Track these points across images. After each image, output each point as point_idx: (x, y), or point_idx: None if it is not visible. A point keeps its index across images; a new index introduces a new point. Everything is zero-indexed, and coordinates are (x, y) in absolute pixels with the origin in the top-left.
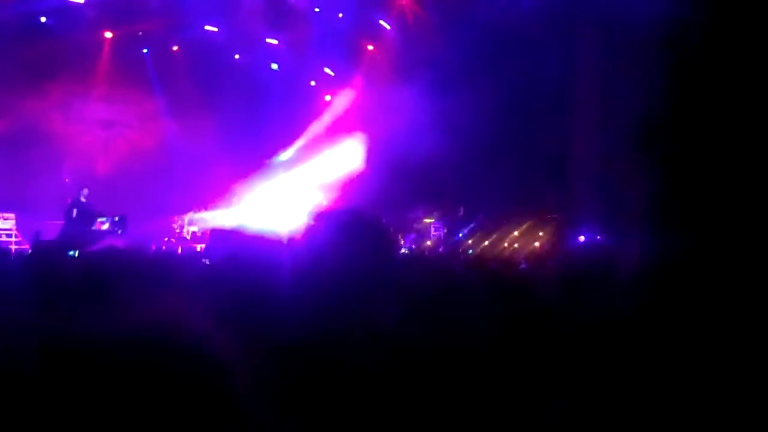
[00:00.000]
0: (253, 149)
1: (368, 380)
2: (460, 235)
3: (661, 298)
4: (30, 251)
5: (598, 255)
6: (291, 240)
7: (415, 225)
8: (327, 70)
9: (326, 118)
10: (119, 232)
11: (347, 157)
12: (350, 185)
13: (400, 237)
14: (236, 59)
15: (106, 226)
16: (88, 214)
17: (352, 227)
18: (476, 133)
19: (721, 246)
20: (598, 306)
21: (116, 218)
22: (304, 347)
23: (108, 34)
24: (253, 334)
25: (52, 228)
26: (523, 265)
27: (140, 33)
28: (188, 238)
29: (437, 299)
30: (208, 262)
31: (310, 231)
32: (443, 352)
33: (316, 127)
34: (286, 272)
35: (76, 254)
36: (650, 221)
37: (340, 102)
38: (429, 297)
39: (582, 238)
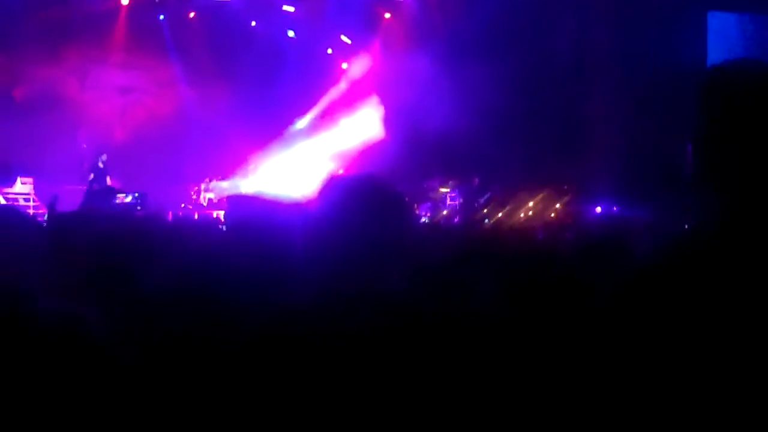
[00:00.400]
0: (269, 117)
1: (375, 345)
2: (476, 204)
3: (682, 273)
4: (46, 218)
5: (615, 226)
6: (305, 205)
7: (431, 194)
8: (344, 38)
9: (343, 86)
10: (139, 208)
11: (364, 125)
12: (366, 153)
13: (415, 206)
14: (253, 26)
15: (128, 199)
16: (109, 191)
17: (365, 193)
18: (492, 102)
19: (752, 218)
20: (618, 278)
21: (136, 194)
22: (313, 310)
23: (124, 0)
24: (262, 297)
25: (69, 193)
26: (539, 235)
27: None
28: (205, 204)
29: (451, 267)
30: (224, 228)
31: (322, 196)
32: (455, 321)
33: (333, 95)
34: (300, 237)
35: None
36: (670, 191)
37: (356, 70)
38: (443, 265)
39: (599, 209)
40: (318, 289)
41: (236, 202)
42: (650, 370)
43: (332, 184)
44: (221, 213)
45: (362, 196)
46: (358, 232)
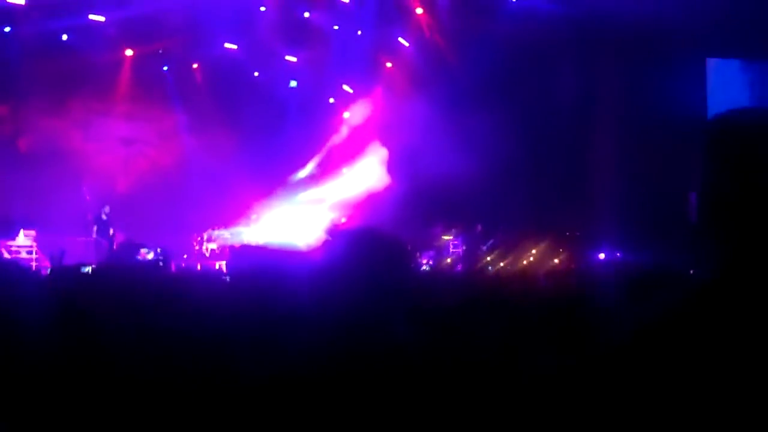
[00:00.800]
0: (272, 166)
1: (380, 392)
2: (479, 252)
3: (687, 320)
4: (50, 270)
5: (618, 273)
6: (309, 254)
7: (434, 242)
8: (346, 87)
9: (345, 136)
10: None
11: (366, 173)
12: (368, 202)
13: (418, 254)
14: (255, 77)
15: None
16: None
17: (368, 243)
18: (495, 149)
19: (755, 267)
20: (622, 324)
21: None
22: (318, 358)
23: (129, 52)
24: (269, 346)
25: (72, 245)
26: (543, 282)
27: (160, 51)
28: (207, 255)
29: (455, 314)
30: (228, 279)
31: (325, 246)
32: (460, 368)
33: (335, 144)
34: (303, 286)
35: (90, 270)
36: (672, 238)
37: (358, 119)
38: (446, 312)
39: (602, 256)
40: (323, 337)
41: (239, 253)
42: (656, 417)
43: (335, 235)
44: (223, 263)
45: (365, 246)
46: (361, 281)
